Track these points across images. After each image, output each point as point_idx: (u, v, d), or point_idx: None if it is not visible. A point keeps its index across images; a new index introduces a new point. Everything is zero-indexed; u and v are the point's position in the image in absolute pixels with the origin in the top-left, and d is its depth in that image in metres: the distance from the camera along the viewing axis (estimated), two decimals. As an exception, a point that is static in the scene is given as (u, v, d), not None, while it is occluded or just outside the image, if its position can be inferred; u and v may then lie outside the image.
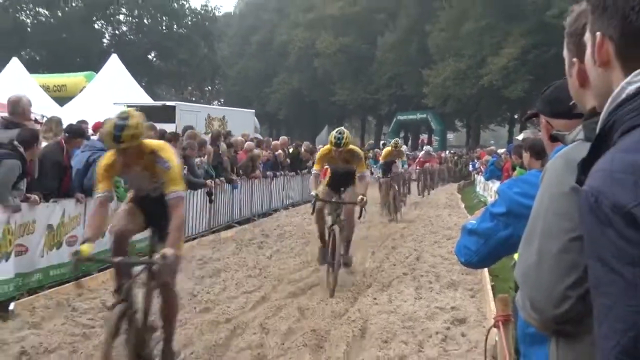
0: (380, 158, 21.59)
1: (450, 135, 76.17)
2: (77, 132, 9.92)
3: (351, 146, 10.51)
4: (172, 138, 14.71)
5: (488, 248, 2.96)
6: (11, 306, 7.85)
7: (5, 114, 9.17)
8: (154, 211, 6.13)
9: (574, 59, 2.12)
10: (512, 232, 2.86)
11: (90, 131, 12.67)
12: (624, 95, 1.56)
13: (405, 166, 22.87)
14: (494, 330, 4.29)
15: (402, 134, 66.94)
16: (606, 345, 1.41)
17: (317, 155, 11.60)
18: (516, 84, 46.83)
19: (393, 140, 22.16)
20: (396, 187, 19.96)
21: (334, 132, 10.48)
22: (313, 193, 10.33)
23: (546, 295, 1.84)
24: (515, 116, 56.84)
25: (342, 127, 11.10)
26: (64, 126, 10.25)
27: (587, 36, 1.72)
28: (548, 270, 1.84)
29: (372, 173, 23.73)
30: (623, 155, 1.45)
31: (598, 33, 1.62)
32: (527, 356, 2.86)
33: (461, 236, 3.12)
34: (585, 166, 1.59)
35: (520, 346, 2.94)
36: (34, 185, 8.88)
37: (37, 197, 8.63)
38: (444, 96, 55.50)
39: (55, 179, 9.39)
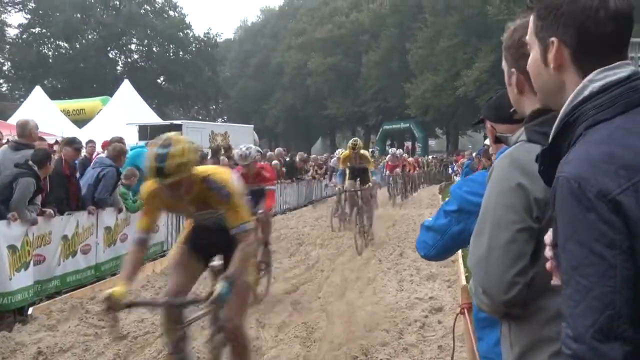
0: (340, 163, 15.40)
1: (432, 142, 76.24)
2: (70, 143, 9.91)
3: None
4: (226, 149, 14.98)
5: (443, 242, 2.96)
6: (30, 310, 7.78)
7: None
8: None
9: (513, 69, 2.09)
10: (463, 227, 2.86)
11: (99, 149, 12.64)
12: (586, 92, 1.55)
13: (375, 177, 15.77)
14: (461, 316, 4.23)
15: (388, 142, 67.09)
16: (582, 323, 1.39)
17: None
18: (488, 94, 46.63)
19: (352, 140, 14.65)
20: (360, 203, 13.91)
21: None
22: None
23: (496, 282, 1.83)
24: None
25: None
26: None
27: (533, 40, 1.71)
28: (497, 259, 1.83)
29: None
30: (598, 146, 1.44)
31: (554, 39, 1.60)
32: (481, 338, 2.85)
33: (420, 232, 3.11)
34: (545, 155, 1.59)
35: (476, 329, 2.91)
36: (51, 200, 8.83)
37: (51, 211, 8.56)
38: (424, 106, 55.78)
39: (58, 187, 9.27)
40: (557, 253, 1.50)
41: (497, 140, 2.45)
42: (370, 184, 14.20)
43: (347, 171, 14.44)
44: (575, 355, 1.40)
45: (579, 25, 1.58)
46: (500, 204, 1.86)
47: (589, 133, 1.50)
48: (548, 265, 1.62)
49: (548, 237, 1.61)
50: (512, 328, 1.94)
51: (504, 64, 2.15)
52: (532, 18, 1.69)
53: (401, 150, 31.22)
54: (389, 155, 28.36)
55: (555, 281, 1.62)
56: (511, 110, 2.24)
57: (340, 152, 19.18)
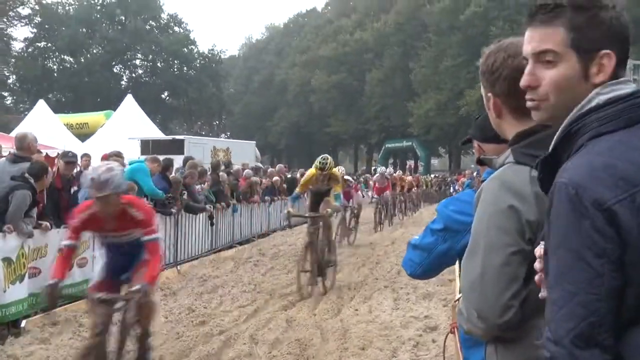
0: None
1: (434, 161, 76.31)
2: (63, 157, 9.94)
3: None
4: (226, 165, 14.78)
5: (430, 260, 2.93)
6: (22, 323, 7.75)
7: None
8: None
9: (489, 94, 2.10)
10: (450, 246, 2.83)
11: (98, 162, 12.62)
12: (593, 104, 1.56)
13: (339, 202, 11.53)
14: (451, 335, 4.22)
15: (391, 160, 67.16)
16: (563, 327, 1.40)
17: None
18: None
19: (319, 158, 11.18)
20: (319, 235, 10.93)
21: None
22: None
23: (491, 305, 1.83)
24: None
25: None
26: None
27: (565, 51, 1.64)
28: (492, 282, 1.83)
29: (363, 196, 23.66)
30: (599, 157, 1.46)
31: (608, 51, 1.58)
32: (467, 358, 2.82)
33: (407, 251, 3.09)
34: (544, 163, 1.59)
35: (462, 349, 2.90)
36: (48, 213, 8.84)
37: (48, 224, 8.56)
38: (427, 125, 55.98)
39: (50, 200, 9.27)
40: (546, 260, 1.51)
41: (481, 162, 2.44)
42: (329, 210, 10.99)
43: (308, 195, 12.11)
44: (553, 358, 1.42)
45: (626, 37, 1.61)
46: (492, 227, 1.86)
47: (590, 144, 1.51)
48: (537, 278, 1.63)
49: (538, 249, 1.62)
50: (498, 349, 1.94)
51: (482, 89, 2.16)
52: (558, 29, 1.61)
53: (390, 169, 26.80)
54: (376, 175, 24.12)
55: (543, 294, 1.62)
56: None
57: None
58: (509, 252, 1.82)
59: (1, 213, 7.72)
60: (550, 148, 1.60)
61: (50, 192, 9.06)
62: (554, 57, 1.62)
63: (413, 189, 31.19)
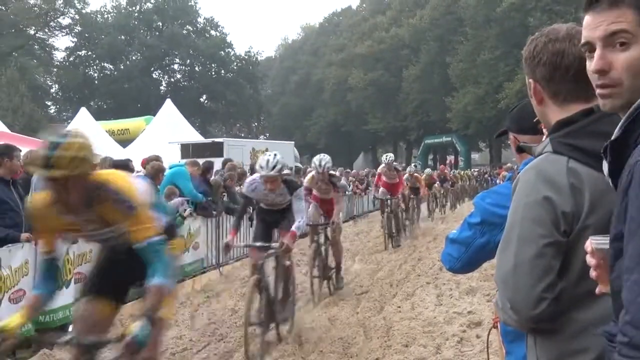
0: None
1: (475, 155, 75.65)
2: (122, 166, 10.01)
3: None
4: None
5: (468, 255, 2.91)
6: (70, 328, 7.87)
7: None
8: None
9: (530, 80, 2.07)
10: (488, 239, 2.81)
11: (138, 167, 12.78)
12: None
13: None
14: (494, 330, 4.18)
15: (430, 156, 66.79)
16: (626, 303, 1.37)
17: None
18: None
19: (317, 158, 10.24)
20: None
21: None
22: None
23: (524, 297, 1.81)
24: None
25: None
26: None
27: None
28: (525, 274, 1.81)
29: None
30: None
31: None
32: (510, 352, 2.80)
33: (445, 245, 3.08)
34: (613, 147, 1.54)
35: (504, 344, 2.87)
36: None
37: (92, 230, 8.67)
38: (466, 120, 55.52)
39: None
40: (617, 247, 1.46)
41: (520, 149, 2.40)
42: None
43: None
44: (632, 343, 1.36)
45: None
46: (527, 218, 1.84)
47: None
48: (593, 274, 1.59)
49: (589, 245, 1.59)
50: (537, 341, 1.93)
51: (526, 76, 2.13)
52: (628, 11, 1.56)
53: (392, 157, 17.30)
54: (381, 166, 17.33)
55: (601, 289, 1.59)
56: (534, 120, 2.21)
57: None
58: (542, 244, 1.80)
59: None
60: (618, 131, 1.54)
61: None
62: (627, 39, 1.56)
63: (431, 191, 25.14)
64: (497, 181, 33.14)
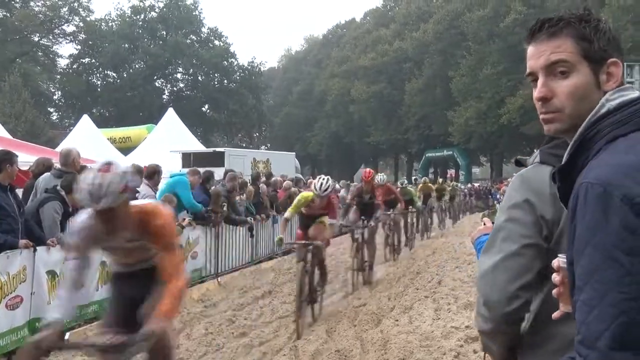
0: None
1: (476, 170, 75.69)
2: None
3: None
4: (267, 176, 14.54)
5: None
6: (67, 335, 7.84)
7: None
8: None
9: None
10: None
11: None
12: (604, 110, 1.60)
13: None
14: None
15: (431, 170, 66.82)
16: (595, 329, 1.38)
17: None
18: (533, 122, 46.37)
19: (319, 180, 9.73)
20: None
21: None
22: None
23: (499, 293, 1.86)
24: (535, 150, 56.67)
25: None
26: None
27: (578, 61, 1.73)
28: (503, 270, 1.86)
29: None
30: (623, 156, 1.47)
31: (614, 59, 1.72)
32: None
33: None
34: (563, 172, 1.61)
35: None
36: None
37: (90, 237, 8.66)
38: (467, 134, 55.62)
39: None
40: (571, 270, 1.49)
41: (519, 163, 2.46)
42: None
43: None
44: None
45: (620, 46, 1.75)
46: (509, 219, 1.90)
47: (610, 147, 1.52)
48: (555, 291, 1.63)
49: (556, 262, 1.62)
50: (520, 356, 1.96)
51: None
52: (567, 40, 1.68)
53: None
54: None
55: (562, 309, 1.62)
56: None
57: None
58: (523, 244, 1.85)
59: (37, 224, 7.85)
60: (566, 157, 1.61)
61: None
62: (567, 67, 1.68)
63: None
64: (498, 196, 33.13)
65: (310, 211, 9.98)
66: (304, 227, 10.19)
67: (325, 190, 9.32)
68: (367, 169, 12.32)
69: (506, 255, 1.86)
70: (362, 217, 12.87)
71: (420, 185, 25.93)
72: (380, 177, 15.86)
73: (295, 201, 10.11)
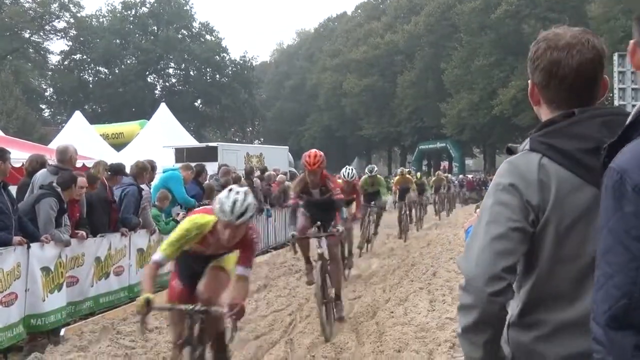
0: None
1: (469, 161, 75.75)
2: (117, 170, 10.01)
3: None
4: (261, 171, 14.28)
5: None
6: (62, 332, 7.85)
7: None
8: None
9: (529, 81, 2.12)
10: None
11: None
12: None
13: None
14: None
15: (425, 162, 66.86)
16: (600, 309, 1.46)
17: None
18: (526, 112, 46.45)
19: (310, 154, 9.19)
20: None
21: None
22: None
23: (482, 273, 1.86)
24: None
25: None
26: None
27: None
28: (487, 251, 1.87)
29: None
30: None
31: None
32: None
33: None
34: (612, 146, 1.62)
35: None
36: (85, 222, 8.95)
37: (84, 233, 8.66)
38: (460, 126, 55.61)
39: (103, 214, 9.44)
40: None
41: (509, 151, 2.47)
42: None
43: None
44: (594, 337, 1.48)
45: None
46: (496, 202, 1.92)
47: None
48: None
49: None
50: (509, 340, 1.97)
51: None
52: None
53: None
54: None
55: None
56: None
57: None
58: (509, 227, 1.86)
59: (32, 221, 7.82)
60: (619, 133, 1.63)
61: (102, 205, 9.24)
62: None
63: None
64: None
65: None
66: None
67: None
68: (313, 151, 9.17)
69: (493, 237, 1.86)
70: (318, 223, 9.16)
71: (398, 177, 22.25)
72: (348, 172, 12.32)
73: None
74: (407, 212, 20.71)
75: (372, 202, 15.94)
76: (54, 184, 7.95)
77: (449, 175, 42.16)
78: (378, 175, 16.51)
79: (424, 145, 64.74)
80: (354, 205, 12.51)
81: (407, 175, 22.25)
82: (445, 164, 67.36)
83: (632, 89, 22.25)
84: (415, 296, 10.10)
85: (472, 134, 56.11)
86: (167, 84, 77.06)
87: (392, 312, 9.04)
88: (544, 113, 2.07)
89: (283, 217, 17.58)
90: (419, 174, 25.77)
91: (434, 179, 26.47)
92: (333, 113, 71.20)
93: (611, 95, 22.56)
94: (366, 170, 16.38)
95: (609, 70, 29.23)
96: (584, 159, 1.84)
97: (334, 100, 70.11)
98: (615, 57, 22.40)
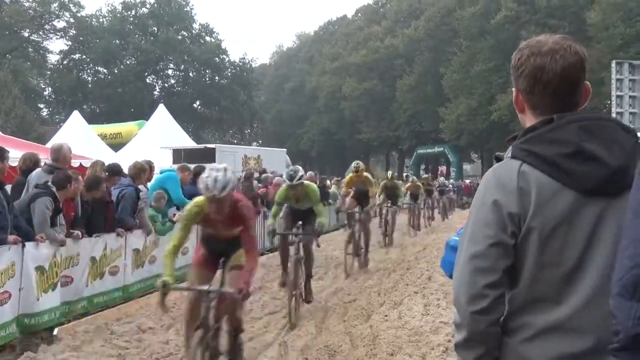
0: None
1: (467, 166, 75.79)
2: (115, 170, 10.01)
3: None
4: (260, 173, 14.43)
5: None
6: (55, 331, 7.84)
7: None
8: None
9: (513, 88, 2.12)
10: None
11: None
12: None
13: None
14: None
15: (422, 166, 66.86)
16: (615, 277, 1.52)
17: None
18: (523, 118, 46.49)
19: (290, 170, 9.77)
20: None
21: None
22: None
23: (465, 293, 1.89)
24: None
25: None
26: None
27: None
28: (468, 270, 1.90)
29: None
30: None
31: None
32: None
33: (445, 252, 3.12)
34: None
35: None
36: (81, 222, 8.95)
37: (79, 233, 8.66)
38: (458, 131, 55.66)
39: (99, 214, 9.44)
40: None
41: (497, 159, 2.49)
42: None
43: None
44: (611, 310, 1.53)
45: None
46: (477, 220, 1.95)
47: None
48: None
49: None
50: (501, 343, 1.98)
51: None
52: None
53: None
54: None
55: None
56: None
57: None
58: (488, 244, 1.88)
59: (27, 220, 7.82)
60: None
61: (100, 206, 9.25)
62: None
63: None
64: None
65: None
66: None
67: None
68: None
69: (471, 255, 1.89)
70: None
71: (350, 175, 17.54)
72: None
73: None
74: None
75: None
76: (49, 183, 7.96)
77: (443, 179, 41.80)
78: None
79: (422, 149, 64.74)
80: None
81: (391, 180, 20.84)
82: (443, 168, 67.40)
83: (630, 97, 22.30)
84: (410, 300, 10.09)
85: (470, 139, 56.18)
86: (166, 84, 77.05)
87: (386, 316, 9.04)
88: (528, 120, 2.09)
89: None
90: (389, 174, 22.48)
91: (408, 184, 24.06)
92: (332, 116, 71.27)
93: (609, 102, 22.62)
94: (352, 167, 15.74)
95: (607, 78, 29.28)
96: (564, 164, 1.86)
97: (333, 103, 70.20)
98: (613, 64, 22.47)
